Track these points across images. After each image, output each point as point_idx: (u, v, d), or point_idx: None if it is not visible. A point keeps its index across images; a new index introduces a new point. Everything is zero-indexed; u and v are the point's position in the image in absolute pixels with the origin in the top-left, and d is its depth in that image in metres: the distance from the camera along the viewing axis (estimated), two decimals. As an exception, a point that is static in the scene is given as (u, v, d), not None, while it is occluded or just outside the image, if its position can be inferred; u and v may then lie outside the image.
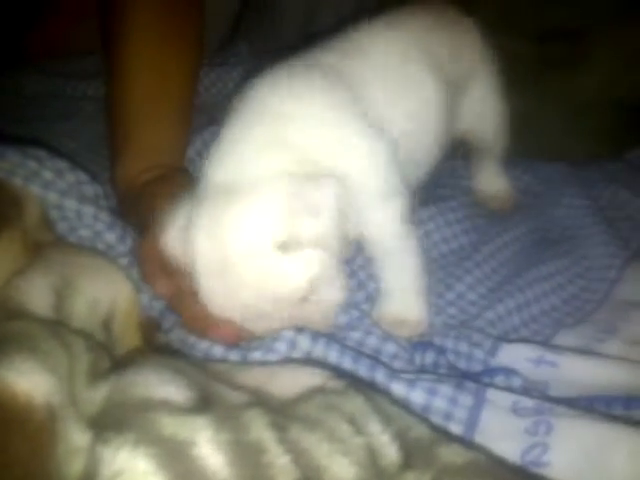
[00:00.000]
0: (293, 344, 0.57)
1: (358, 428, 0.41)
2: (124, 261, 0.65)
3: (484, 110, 0.81)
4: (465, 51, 0.78)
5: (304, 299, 0.57)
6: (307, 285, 0.56)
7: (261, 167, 0.57)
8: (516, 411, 0.51)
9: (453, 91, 0.75)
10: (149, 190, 0.67)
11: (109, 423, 0.35)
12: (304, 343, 0.57)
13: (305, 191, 0.55)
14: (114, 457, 0.32)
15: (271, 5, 1.20)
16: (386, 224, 0.63)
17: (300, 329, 0.58)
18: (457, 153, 0.88)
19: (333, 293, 0.59)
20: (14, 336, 0.40)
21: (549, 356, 0.60)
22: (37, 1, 1.16)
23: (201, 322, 0.58)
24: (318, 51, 0.67)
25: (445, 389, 0.52)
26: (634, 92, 0.92)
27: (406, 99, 0.68)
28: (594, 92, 0.92)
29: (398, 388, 0.53)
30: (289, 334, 0.57)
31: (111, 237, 0.66)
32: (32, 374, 0.36)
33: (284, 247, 0.54)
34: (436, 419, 0.51)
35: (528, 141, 0.90)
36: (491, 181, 0.88)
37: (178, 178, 0.69)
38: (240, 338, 0.59)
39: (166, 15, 0.78)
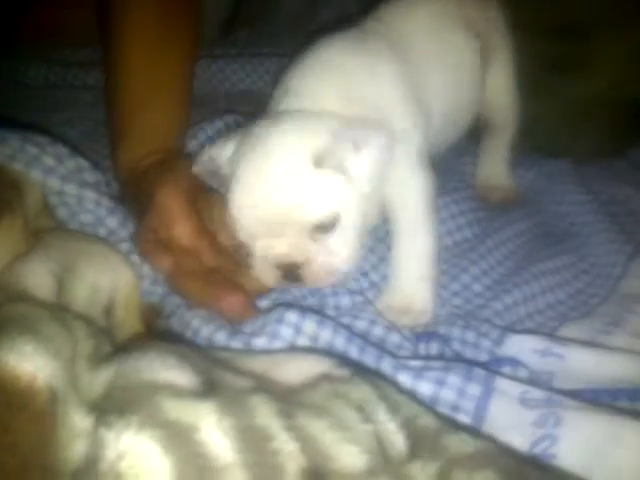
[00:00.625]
0: (298, 329, 0.56)
1: (365, 416, 0.40)
2: (125, 246, 0.64)
3: (502, 84, 0.85)
4: (491, 24, 0.83)
5: (318, 232, 0.58)
6: (327, 211, 0.58)
7: (320, 107, 0.62)
8: (524, 402, 0.51)
9: (483, 61, 0.80)
10: (150, 174, 0.66)
11: (113, 406, 0.35)
12: (309, 328, 0.56)
13: (356, 129, 0.60)
14: (118, 440, 0.31)
15: None
16: (411, 202, 0.66)
17: (304, 313, 0.57)
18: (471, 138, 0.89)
19: (343, 250, 0.60)
20: (16, 319, 0.39)
21: (555, 348, 0.60)
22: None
23: (209, 294, 0.59)
24: (368, 21, 0.74)
25: (453, 379, 0.52)
26: (634, 91, 0.92)
27: (447, 63, 0.74)
28: (598, 91, 0.91)
29: (405, 379, 0.52)
30: (294, 317, 0.57)
31: (113, 222, 0.65)
32: (34, 357, 0.35)
33: (320, 164, 0.58)
34: (444, 410, 0.51)
35: (532, 138, 0.90)
36: (495, 173, 0.88)
37: (178, 162, 0.69)
38: (245, 310, 0.59)
39: (163, 3, 0.78)
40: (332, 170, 0.58)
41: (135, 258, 0.64)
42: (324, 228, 0.59)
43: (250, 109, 0.92)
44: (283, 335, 0.56)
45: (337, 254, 0.60)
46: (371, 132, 0.60)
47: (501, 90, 0.85)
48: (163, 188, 0.63)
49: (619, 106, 0.93)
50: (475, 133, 0.87)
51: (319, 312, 0.60)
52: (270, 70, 1.10)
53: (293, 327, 0.56)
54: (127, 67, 0.75)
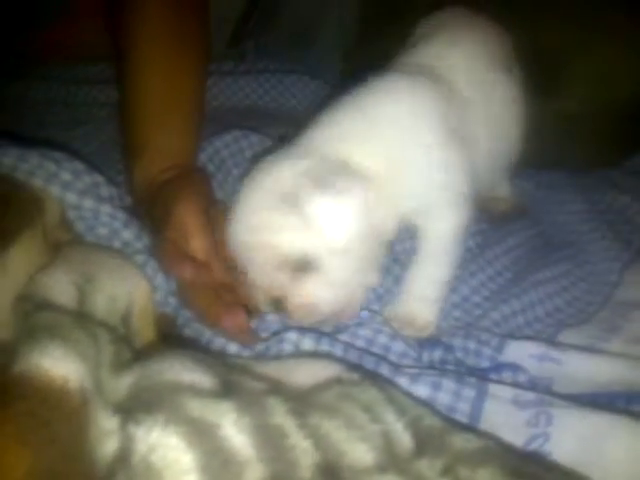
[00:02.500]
0: (297, 346, 0.59)
1: (374, 416, 0.43)
2: (140, 258, 0.67)
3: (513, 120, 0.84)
4: (507, 54, 0.82)
5: (297, 271, 0.60)
6: (294, 250, 0.59)
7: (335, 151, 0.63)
8: (517, 403, 0.53)
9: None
10: (166, 190, 0.69)
11: (138, 406, 0.37)
12: (308, 344, 0.59)
13: (330, 174, 0.60)
14: (147, 435, 0.34)
15: (278, 6, 1.23)
16: (442, 233, 0.67)
17: (303, 330, 0.60)
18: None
19: (323, 292, 0.61)
20: (45, 326, 0.42)
21: (553, 353, 0.62)
22: (48, 2, 1.18)
23: (216, 308, 0.61)
24: (409, 54, 0.74)
25: (448, 383, 0.54)
26: (614, 107, 0.94)
27: (492, 103, 0.74)
28: (580, 109, 0.94)
29: (403, 382, 0.55)
30: (293, 336, 0.59)
31: (128, 235, 0.68)
32: (65, 360, 0.38)
33: (289, 203, 0.59)
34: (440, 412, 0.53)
35: (528, 152, 0.93)
36: (497, 186, 0.90)
37: (194, 177, 0.71)
38: (248, 330, 0.61)
39: (174, 23, 0.80)
40: (301, 211, 0.59)
41: (149, 270, 0.66)
42: (301, 267, 0.60)
43: (256, 124, 0.95)
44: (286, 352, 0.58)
45: (315, 295, 0.61)
46: (344, 179, 0.61)
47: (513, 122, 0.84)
48: (181, 204, 0.65)
49: (602, 122, 0.95)
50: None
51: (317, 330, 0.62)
52: (276, 86, 1.13)
53: (293, 345, 0.59)
54: (142, 85, 0.78)
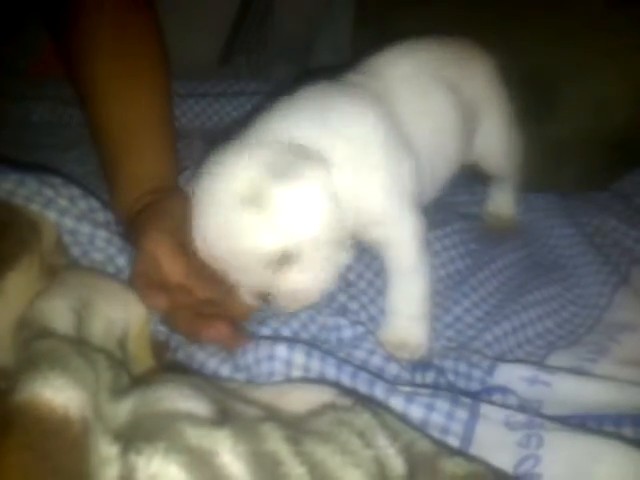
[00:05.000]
0: (289, 363, 0.59)
1: (367, 442, 0.44)
2: None
3: (496, 141, 0.86)
4: (478, 79, 0.84)
5: (278, 265, 0.60)
6: (272, 246, 0.59)
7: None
8: (508, 424, 0.54)
9: (468, 115, 0.80)
10: (138, 220, 0.70)
11: (138, 434, 0.38)
12: (299, 359, 0.59)
13: (289, 160, 0.59)
14: (148, 464, 0.34)
15: (268, 20, 1.24)
16: (401, 241, 0.67)
17: (293, 346, 0.60)
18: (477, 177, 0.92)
19: (307, 280, 0.62)
20: (46, 354, 0.43)
21: (543, 376, 0.63)
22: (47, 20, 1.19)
23: (195, 326, 0.62)
24: (350, 74, 0.74)
25: (442, 404, 0.55)
26: (607, 132, 0.96)
27: (429, 117, 0.75)
28: (570, 134, 0.96)
29: (397, 403, 0.55)
30: (283, 352, 0.59)
31: (122, 261, 0.69)
32: (66, 390, 0.39)
33: (250, 203, 0.58)
34: (434, 433, 0.54)
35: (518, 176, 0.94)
36: (502, 204, 0.92)
37: (164, 203, 0.71)
38: (231, 337, 0.62)
39: (122, 47, 0.80)
40: (262, 204, 0.58)
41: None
42: (282, 262, 0.60)
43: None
44: (278, 371, 0.59)
45: (300, 285, 0.62)
46: (303, 164, 0.60)
47: (495, 147, 0.86)
48: (148, 236, 0.65)
49: (594, 146, 0.96)
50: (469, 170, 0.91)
51: (308, 343, 0.63)
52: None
53: (284, 362, 0.59)
54: (102, 115, 0.78)
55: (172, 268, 0.65)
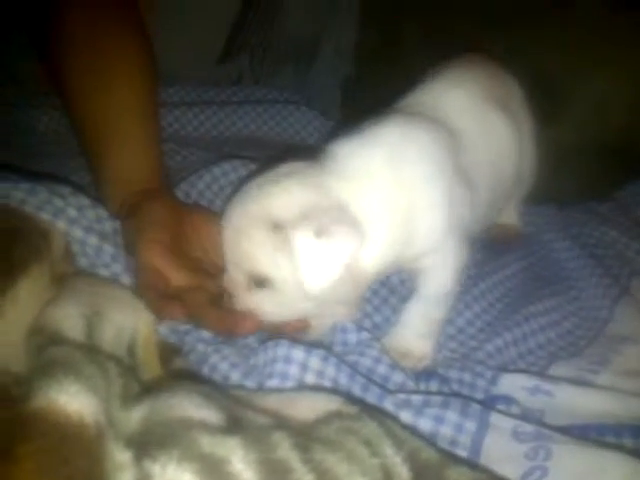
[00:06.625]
0: (305, 367, 0.60)
1: (374, 450, 0.45)
2: None
3: (529, 160, 0.87)
4: (516, 96, 0.85)
5: (255, 283, 0.63)
6: (257, 268, 0.61)
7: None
8: (516, 435, 0.55)
9: (519, 136, 0.81)
10: (132, 228, 0.70)
11: (151, 440, 0.39)
12: (315, 364, 0.60)
13: (329, 217, 0.59)
14: (163, 471, 0.35)
15: (274, 21, 1.24)
16: (442, 279, 0.69)
17: (310, 350, 0.61)
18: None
19: (266, 307, 0.64)
20: (59, 361, 0.43)
21: (545, 385, 0.64)
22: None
23: (229, 322, 0.63)
24: (409, 100, 0.75)
25: (451, 415, 0.56)
26: (609, 136, 0.96)
27: (491, 141, 0.75)
28: (572, 139, 0.96)
29: (406, 416, 0.56)
30: (300, 355, 0.60)
31: (126, 279, 0.69)
32: (80, 396, 0.39)
33: (277, 227, 0.60)
34: (442, 445, 0.54)
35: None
36: (506, 213, 0.93)
37: (156, 212, 0.71)
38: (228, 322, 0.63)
39: (100, 44, 0.81)
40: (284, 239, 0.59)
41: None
42: (258, 282, 0.62)
43: (254, 154, 0.98)
44: (292, 374, 0.59)
45: (259, 307, 0.64)
46: (342, 228, 0.60)
47: (528, 161, 0.87)
48: (143, 249, 0.67)
49: (595, 151, 0.96)
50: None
51: (324, 347, 0.64)
52: (275, 117, 1.16)
53: (300, 365, 0.60)
54: (80, 117, 0.80)
55: (176, 276, 0.66)
